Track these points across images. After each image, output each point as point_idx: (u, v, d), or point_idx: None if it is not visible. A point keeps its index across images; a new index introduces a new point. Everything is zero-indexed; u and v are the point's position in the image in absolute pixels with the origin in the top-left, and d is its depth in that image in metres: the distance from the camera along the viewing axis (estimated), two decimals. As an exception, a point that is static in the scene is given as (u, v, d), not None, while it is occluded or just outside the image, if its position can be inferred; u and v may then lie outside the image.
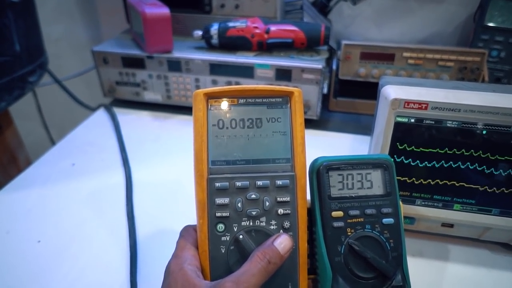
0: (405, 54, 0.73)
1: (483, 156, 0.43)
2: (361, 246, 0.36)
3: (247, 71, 0.70)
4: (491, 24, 0.77)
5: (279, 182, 0.36)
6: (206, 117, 0.37)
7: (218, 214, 0.35)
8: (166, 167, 0.63)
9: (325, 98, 0.79)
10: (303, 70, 0.68)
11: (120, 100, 0.81)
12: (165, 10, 0.68)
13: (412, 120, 0.42)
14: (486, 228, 0.46)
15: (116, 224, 0.51)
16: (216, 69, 0.72)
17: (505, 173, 0.43)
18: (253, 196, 0.36)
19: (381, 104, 0.43)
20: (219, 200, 0.35)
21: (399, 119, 0.42)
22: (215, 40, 0.72)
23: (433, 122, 0.42)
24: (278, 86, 0.37)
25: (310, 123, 0.74)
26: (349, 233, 0.37)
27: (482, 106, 0.40)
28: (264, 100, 0.38)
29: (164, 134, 0.72)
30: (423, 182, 0.45)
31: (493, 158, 0.42)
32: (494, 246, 0.48)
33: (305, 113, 0.71)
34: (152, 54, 0.72)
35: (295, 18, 0.82)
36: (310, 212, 0.38)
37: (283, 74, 0.69)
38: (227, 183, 0.36)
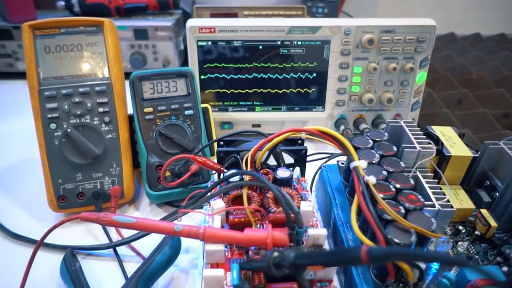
0: (245, 12, 0.88)
1: (265, 65, 0.58)
2: (167, 131, 0.49)
3: (108, 34, 0.80)
4: (314, -14, 0.96)
5: (97, 88, 0.48)
6: (33, 44, 0.47)
7: (49, 116, 0.46)
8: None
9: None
10: (156, 28, 0.79)
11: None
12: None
13: (210, 43, 0.56)
14: (282, 122, 0.62)
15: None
16: (81, 34, 0.80)
17: (281, 77, 0.59)
18: (77, 99, 0.47)
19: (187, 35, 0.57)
20: (49, 105, 0.46)
21: (200, 43, 0.56)
22: (77, 8, 0.81)
23: (225, 43, 0.56)
24: (90, 18, 0.49)
25: (173, 76, 0.86)
26: (158, 123, 0.50)
27: (252, 26, 0.55)
28: (82, 29, 0.49)
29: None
30: (229, 92, 0.60)
31: (274, 66, 0.58)
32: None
33: (164, 66, 0.83)
34: (18, 24, 0.79)
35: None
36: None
37: (140, 34, 0.80)
38: (55, 91, 0.46)
